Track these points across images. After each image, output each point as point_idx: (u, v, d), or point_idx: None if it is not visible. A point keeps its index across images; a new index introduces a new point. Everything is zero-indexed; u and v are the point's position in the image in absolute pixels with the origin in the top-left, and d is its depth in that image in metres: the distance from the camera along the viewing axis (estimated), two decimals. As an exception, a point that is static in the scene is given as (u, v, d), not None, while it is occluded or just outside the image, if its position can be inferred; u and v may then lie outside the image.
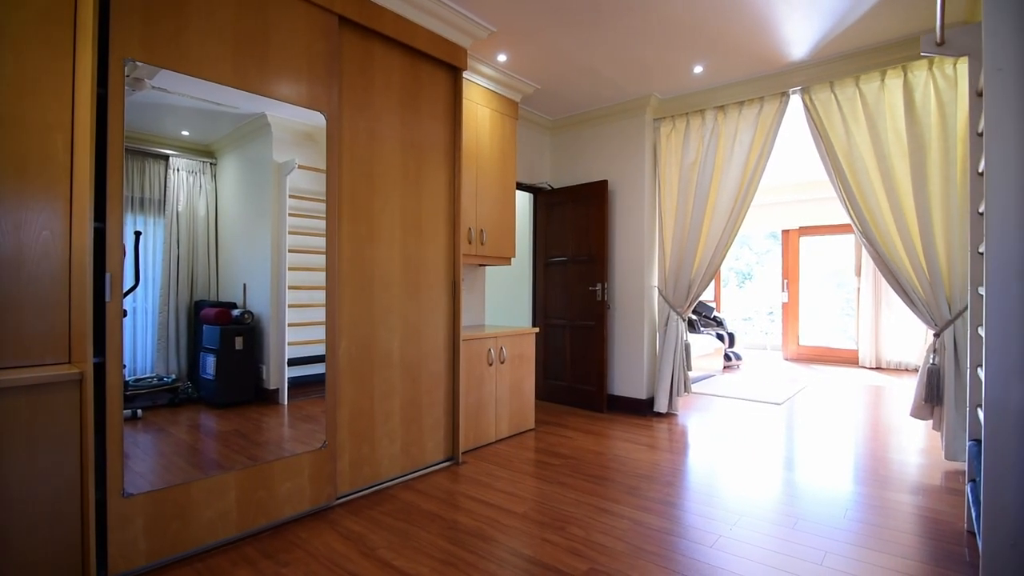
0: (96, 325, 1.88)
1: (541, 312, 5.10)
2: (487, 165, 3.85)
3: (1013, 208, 1.49)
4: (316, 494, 2.53)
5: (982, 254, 1.59)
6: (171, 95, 2.08)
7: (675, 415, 4.47)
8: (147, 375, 2.08)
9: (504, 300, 5.45)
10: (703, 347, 6.40)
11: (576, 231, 4.82)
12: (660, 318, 4.53)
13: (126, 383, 1.98)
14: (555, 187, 5.09)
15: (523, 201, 5.28)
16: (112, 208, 1.89)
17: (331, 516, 2.51)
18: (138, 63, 1.95)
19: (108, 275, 1.88)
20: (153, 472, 2.04)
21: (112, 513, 1.90)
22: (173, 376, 2.15)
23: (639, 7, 3.05)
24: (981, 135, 1.71)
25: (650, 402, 4.54)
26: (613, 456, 3.39)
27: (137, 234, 2.03)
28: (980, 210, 2.00)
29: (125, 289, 1.96)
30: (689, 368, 4.47)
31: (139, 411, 2.04)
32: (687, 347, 4.45)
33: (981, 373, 1.60)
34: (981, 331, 1.71)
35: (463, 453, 3.39)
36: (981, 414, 1.58)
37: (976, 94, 2.10)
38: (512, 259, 4.10)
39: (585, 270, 4.73)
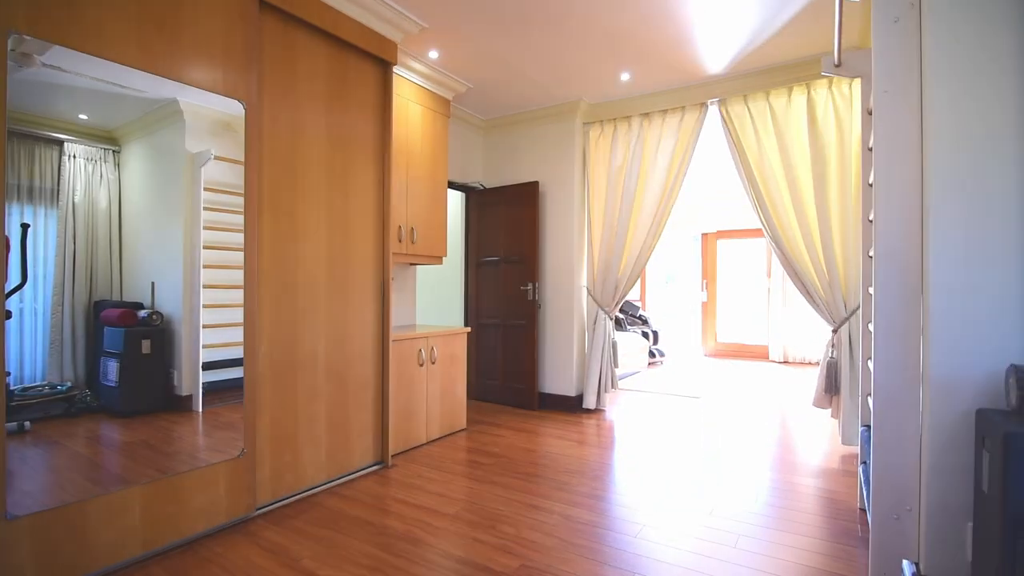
0: (-27, 328, 1.67)
1: (473, 312, 5.10)
2: (418, 162, 3.80)
3: (897, 216, 1.66)
4: (233, 506, 2.39)
5: (872, 257, 1.76)
6: (66, 74, 1.89)
7: (603, 411, 4.61)
8: (37, 383, 1.88)
9: (436, 300, 5.40)
10: (629, 345, 6.65)
11: (508, 231, 4.85)
12: (589, 317, 4.66)
13: (11, 392, 1.78)
14: (487, 187, 5.10)
15: (455, 200, 5.25)
16: (-7, 197, 1.69)
17: (251, 528, 2.38)
18: (25, 36, 1.76)
19: (-12, 272, 1.68)
20: (44, 491, 1.85)
21: (-8, 538, 1.70)
22: (68, 384, 1.96)
23: (567, 15, 3.12)
24: (871, 150, 1.89)
25: (579, 399, 4.65)
26: (543, 453, 3.45)
27: (24, 226, 1.83)
28: (870, 218, 2.21)
29: (9, 288, 1.76)
30: (616, 365, 4.63)
31: (27, 423, 1.84)
32: (614, 345, 4.60)
33: (871, 365, 1.77)
34: (871, 327, 1.88)
35: (393, 456, 3.32)
36: (871, 402, 1.75)
37: (867, 112, 2.32)
38: (444, 258, 4.07)
39: (517, 270, 4.78)
